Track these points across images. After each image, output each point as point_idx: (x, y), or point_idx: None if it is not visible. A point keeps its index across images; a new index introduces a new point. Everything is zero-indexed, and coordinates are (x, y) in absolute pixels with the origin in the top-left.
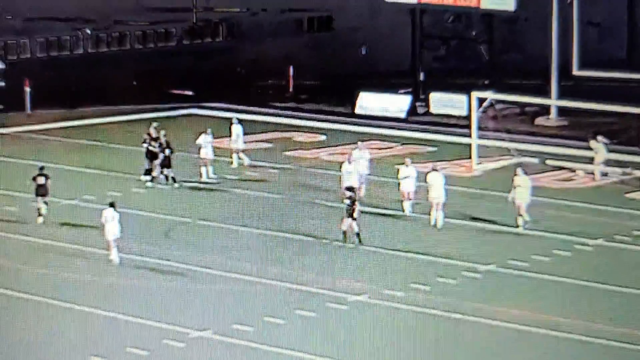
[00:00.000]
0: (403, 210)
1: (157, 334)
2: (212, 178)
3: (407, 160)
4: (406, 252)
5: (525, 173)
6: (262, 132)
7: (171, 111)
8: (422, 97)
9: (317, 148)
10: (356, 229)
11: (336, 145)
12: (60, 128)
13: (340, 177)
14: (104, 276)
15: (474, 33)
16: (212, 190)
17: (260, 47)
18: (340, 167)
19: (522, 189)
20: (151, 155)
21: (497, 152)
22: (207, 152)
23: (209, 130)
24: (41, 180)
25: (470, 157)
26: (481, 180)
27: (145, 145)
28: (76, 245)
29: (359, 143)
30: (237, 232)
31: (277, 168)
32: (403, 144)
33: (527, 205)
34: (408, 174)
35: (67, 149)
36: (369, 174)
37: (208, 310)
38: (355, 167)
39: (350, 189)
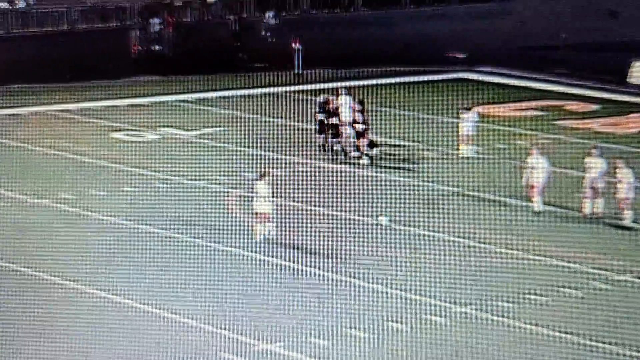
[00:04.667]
0: (533, 206)
1: (417, 308)
2: (476, 151)
3: (534, 150)
4: None
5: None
6: (533, 100)
7: (443, 74)
8: None
9: (589, 118)
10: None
11: (608, 116)
12: (330, 89)
13: (524, 172)
14: (369, 246)
15: None
16: (482, 159)
17: (532, 9)
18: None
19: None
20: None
21: None
22: (467, 127)
23: (464, 112)
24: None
25: None
26: None
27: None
28: (338, 211)
29: (533, 149)
30: (505, 205)
31: (547, 138)
32: None
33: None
34: (536, 164)
35: None
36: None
37: (471, 285)
38: (542, 164)
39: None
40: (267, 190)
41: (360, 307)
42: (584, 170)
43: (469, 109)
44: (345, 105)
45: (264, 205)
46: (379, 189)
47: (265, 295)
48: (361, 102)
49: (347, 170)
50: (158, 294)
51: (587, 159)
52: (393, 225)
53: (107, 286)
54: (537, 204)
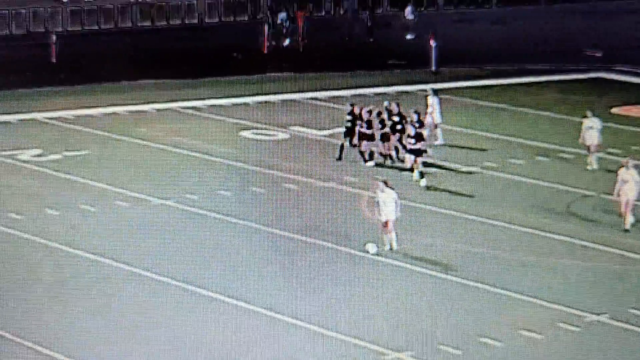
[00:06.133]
0: (624, 224)
1: (552, 316)
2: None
3: (628, 161)
4: None
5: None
6: None
7: (579, 74)
8: None
9: None
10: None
11: None
12: (466, 88)
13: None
14: (498, 250)
15: None
16: (618, 162)
17: None
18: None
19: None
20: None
21: None
22: (590, 136)
23: (589, 114)
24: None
25: None
26: None
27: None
28: (451, 210)
29: (627, 160)
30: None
31: None
32: None
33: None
34: (627, 178)
35: (469, 111)
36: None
37: (604, 292)
38: (634, 177)
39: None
40: (389, 198)
41: (492, 314)
42: None
43: (593, 114)
44: (434, 106)
45: (388, 213)
46: (507, 190)
47: (394, 302)
48: (417, 112)
49: (477, 172)
50: (287, 300)
51: None
52: (524, 228)
53: (233, 293)
54: (627, 221)
